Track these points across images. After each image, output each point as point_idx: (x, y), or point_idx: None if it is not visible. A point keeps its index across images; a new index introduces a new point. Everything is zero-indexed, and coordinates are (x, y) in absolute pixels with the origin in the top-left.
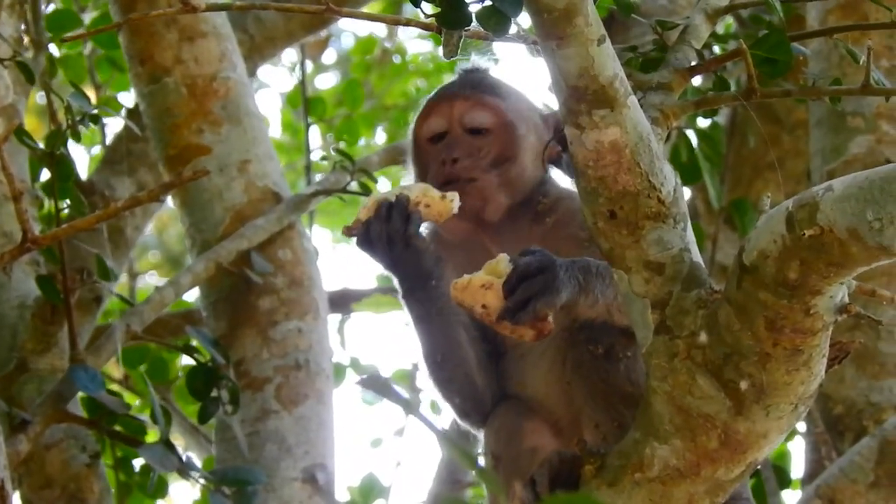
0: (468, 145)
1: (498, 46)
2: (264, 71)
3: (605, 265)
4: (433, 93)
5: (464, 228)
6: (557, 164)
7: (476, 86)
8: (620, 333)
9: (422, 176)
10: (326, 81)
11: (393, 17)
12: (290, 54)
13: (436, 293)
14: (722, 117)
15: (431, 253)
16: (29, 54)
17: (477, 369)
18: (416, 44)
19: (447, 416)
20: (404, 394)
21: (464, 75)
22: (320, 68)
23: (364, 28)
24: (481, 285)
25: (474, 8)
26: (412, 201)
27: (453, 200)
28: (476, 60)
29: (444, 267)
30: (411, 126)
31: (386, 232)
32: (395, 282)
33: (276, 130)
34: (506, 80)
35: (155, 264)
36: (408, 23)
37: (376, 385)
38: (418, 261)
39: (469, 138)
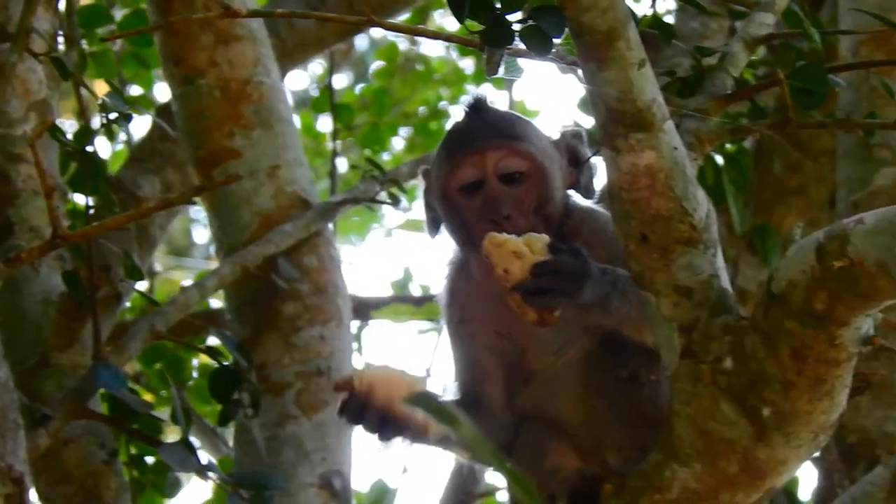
0: (510, 197)
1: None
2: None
3: (632, 281)
4: (454, 141)
5: None
6: (575, 187)
7: (501, 132)
8: (645, 357)
9: (455, 228)
10: (341, 81)
11: (433, 32)
12: None
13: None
14: (747, 142)
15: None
16: (61, 49)
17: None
18: (436, 49)
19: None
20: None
21: (476, 116)
22: (335, 68)
23: (379, 31)
24: (513, 251)
25: (517, 26)
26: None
27: None
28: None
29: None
30: (435, 177)
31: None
32: None
33: None
34: (517, 114)
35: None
36: (449, 38)
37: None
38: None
39: (506, 188)
